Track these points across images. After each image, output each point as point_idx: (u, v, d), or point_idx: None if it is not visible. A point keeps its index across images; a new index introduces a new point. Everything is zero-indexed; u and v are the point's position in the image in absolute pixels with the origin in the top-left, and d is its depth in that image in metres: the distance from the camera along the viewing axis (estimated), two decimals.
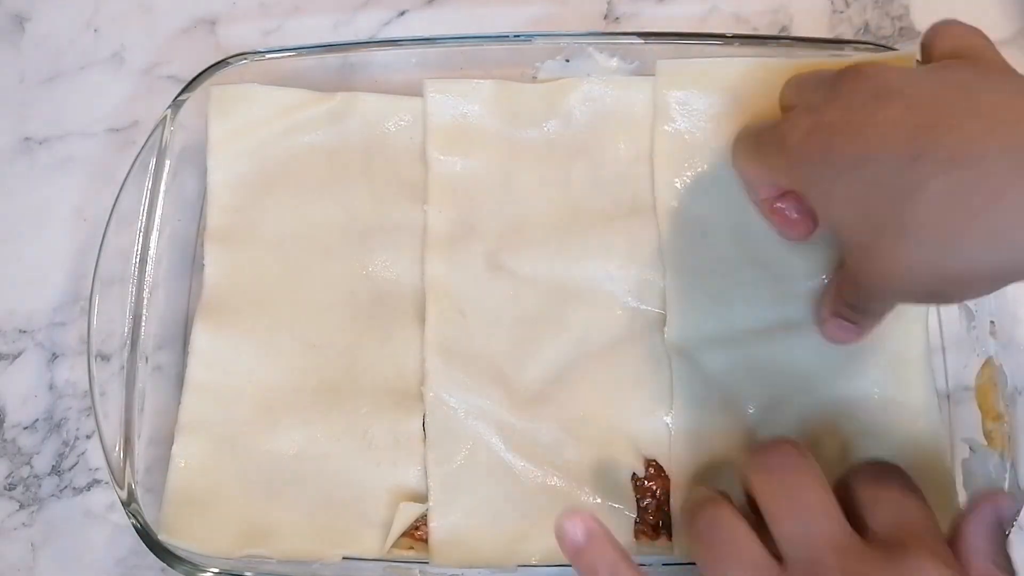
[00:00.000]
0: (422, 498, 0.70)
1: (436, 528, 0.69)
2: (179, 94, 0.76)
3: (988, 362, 0.70)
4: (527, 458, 0.71)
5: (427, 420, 0.72)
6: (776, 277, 0.73)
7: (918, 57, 0.73)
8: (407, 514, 0.69)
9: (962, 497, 0.68)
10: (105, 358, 0.72)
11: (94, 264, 0.72)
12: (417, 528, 0.70)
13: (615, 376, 0.72)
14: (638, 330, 0.73)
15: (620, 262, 0.74)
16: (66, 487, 0.80)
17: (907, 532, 0.55)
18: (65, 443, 0.80)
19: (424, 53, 0.78)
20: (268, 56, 0.77)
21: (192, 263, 0.78)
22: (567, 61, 0.77)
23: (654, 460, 0.71)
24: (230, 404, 0.72)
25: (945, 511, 0.67)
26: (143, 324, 0.72)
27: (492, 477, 0.70)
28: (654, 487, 0.71)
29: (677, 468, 0.70)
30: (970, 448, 0.69)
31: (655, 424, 0.71)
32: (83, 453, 0.80)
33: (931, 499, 0.67)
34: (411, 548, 0.70)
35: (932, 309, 0.72)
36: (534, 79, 0.78)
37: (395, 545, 0.70)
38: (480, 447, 0.71)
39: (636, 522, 0.70)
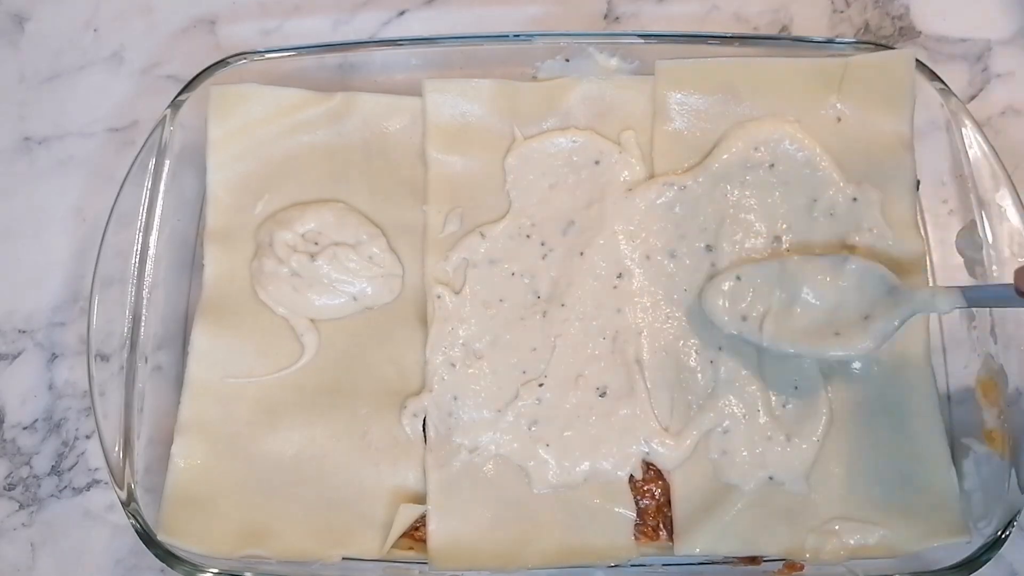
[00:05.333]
0: (422, 499, 0.70)
1: (435, 532, 0.69)
2: (178, 94, 0.76)
3: (988, 359, 0.70)
4: (526, 461, 0.71)
5: (427, 422, 0.72)
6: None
7: (917, 56, 0.73)
8: (406, 516, 0.69)
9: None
10: (105, 358, 0.72)
11: (94, 264, 0.72)
12: (417, 528, 0.70)
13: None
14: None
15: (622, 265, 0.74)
16: (66, 487, 0.80)
17: None
18: (65, 443, 0.80)
19: (424, 53, 0.78)
20: (268, 56, 0.77)
21: (192, 263, 0.78)
22: (567, 61, 0.77)
23: (652, 463, 0.71)
24: (230, 404, 0.72)
25: (947, 510, 0.68)
26: (142, 324, 0.72)
27: (491, 480, 0.70)
28: (653, 488, 0.71)
29: (677, 470, 0.70)
30: (970, 448, 0.69)
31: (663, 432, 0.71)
32: (83, 453, 0.80)
33: (932, 499, 0.68)
34: (411, 548, 0.70)
35: None
36: (534, 79, 0.78)
37: (395, 545, 0.70)
38: (480, 450, 0.71)
39: (636, 523, 0.70)
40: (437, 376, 0.72)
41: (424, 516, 0.70)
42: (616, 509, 0.70)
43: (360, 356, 0.74)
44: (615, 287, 0.73)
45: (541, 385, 0.72)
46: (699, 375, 0.71)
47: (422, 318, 0.74)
